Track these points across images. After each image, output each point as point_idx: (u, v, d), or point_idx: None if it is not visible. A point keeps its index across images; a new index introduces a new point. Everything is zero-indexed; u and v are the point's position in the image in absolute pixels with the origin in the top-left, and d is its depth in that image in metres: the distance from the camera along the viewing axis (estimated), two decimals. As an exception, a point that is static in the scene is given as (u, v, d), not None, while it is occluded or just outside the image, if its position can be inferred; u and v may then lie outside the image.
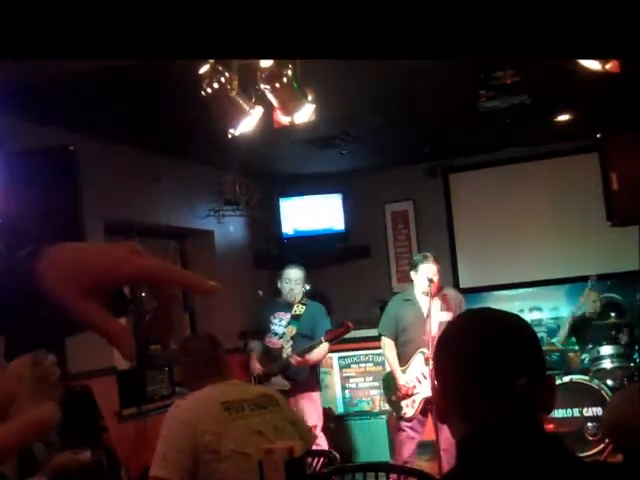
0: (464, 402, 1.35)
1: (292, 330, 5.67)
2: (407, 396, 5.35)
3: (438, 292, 5.35)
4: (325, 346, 5.61)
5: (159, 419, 3.01)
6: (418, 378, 5.30)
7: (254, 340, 5.89)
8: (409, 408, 5.36)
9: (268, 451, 2.41)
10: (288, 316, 5.74)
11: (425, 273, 5.25)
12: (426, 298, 5.24)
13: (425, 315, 5.21)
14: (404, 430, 5.41)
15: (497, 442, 1.30)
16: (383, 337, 5.55)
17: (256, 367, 5.66)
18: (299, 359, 5.50)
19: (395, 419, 5.68)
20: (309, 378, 5.76)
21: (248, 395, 3.08)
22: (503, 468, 1.28)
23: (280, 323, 5.73)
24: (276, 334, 5.72)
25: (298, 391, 5.58)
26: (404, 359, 5.40)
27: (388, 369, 5.66)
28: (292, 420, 3.17)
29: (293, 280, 5.74)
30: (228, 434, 2.84)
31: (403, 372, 5.39)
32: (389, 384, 5.58)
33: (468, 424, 1.34)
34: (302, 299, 5.83)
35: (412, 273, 5.38)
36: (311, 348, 5.53)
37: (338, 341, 6.67)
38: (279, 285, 5.80)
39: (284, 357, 5.62)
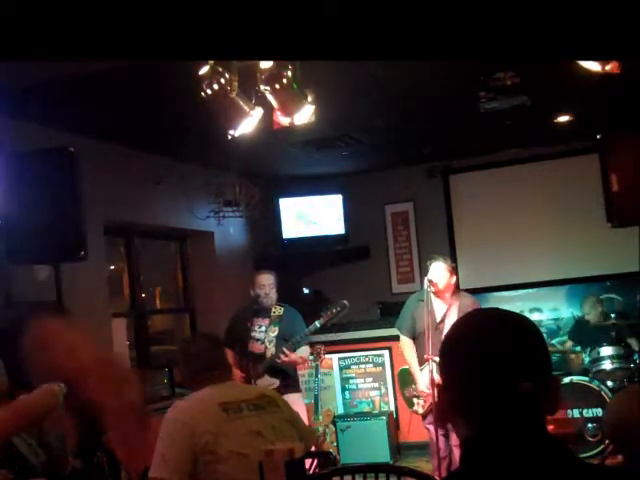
0: (468, 403, 1.35)
1: (275, 330, 5.68)
2: (420, 396, 5.40)
3: (454, 299, 5.36)
4: (307, 347, 5.75)
5: (159, 420, 3.00)
6: (429, 384, 5.31)
7: (231, 347, 5.82)
8: (419, 406, 5.45)
9: (268, 452, 2.41)
10: (267, 321, 5.73)
11: (432, 272, 5.32)
12: (440, 301, 5.33)
13: (438, 320, 5.29)
14: (427, 429, 5.44)
15: (501, 444, 1.29)
16: (401, 335, 5.60)
17: (237, 374, 5.61)
18: (288, 352, 5.52)
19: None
20: (294, 376, 5.83)
21: (247, 396, 3.08)
22: (507, 470, 1.27)
23: (260, 329, 5.73)
24: (258, 340, 5.71)
25: (288, 390, 5.59)
26: (419, 361, 5.44)
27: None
28: (292, 421, 3.16)
29: (267, 285, 5.73)
30: (226, 435, 2.84)
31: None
32: (404, 379, 5.67)
33: (472, 425, 1.34)
34: (277, 301, 5.83)
35: (430, 279, 5.41)
36: (294, 343, 5.57)
37: (339, 342, 6.69)
38: (252, 292, 5.77)
39: (268, 357, 5.64)
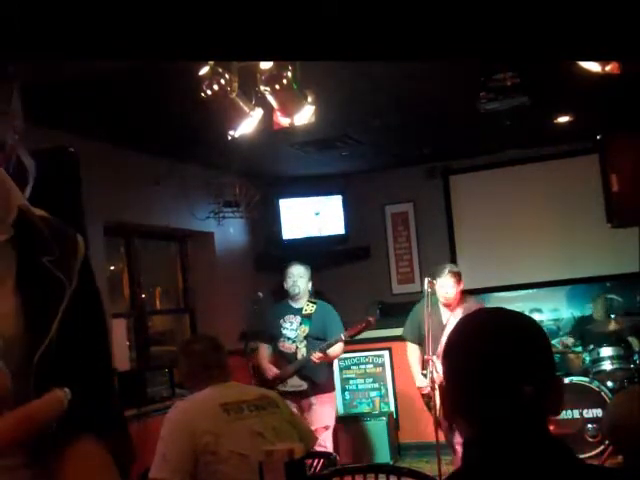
0: (470, 403, 1.34)
1: (305, 330, 5.67)
2: (428, 397, 5.43)
3: (460, 304, 5.42)
4: (342, 344, 5.68)
5: (159, 420, 3.01)
6: (429, 383, 5.36)
7: (259, 342, 5.89)
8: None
9: (268, 453, 2.40)
10: (298, 319, 5.73)
11: (441, 287, 5.37)
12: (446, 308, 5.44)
13: (444, 322, 5.38)
14: (440, 427, 5.48)
15: (501, 445, 1.29)
16: (408, 342, 5.70)
17: (271, 369, 5.66)
18: (320, 355, 5.51)
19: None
20: (328, 378, 5.80)
21: (247, 397, 3.08)
22: (507, 471, 1.27)
23: (291, 327, 5.73)
24: (289, 338, 5.72)
25: (316, 391, 5.60)
26: (423, 363, 5.52)
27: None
28: (292, 421, 3.17)
29: (295, 274, 5.77)
30: (226, 435, 2.84)
31: (424, 376, 5.47)
32: None
33: (473, 425, 1.33)
34: (310, 297, 5.85)
35: (434, 281, 5.44)
36: (329, 346, 5.56)
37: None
38: (285, 285, 5.83)
39: (300, 358, 5.63)
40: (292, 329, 5.72)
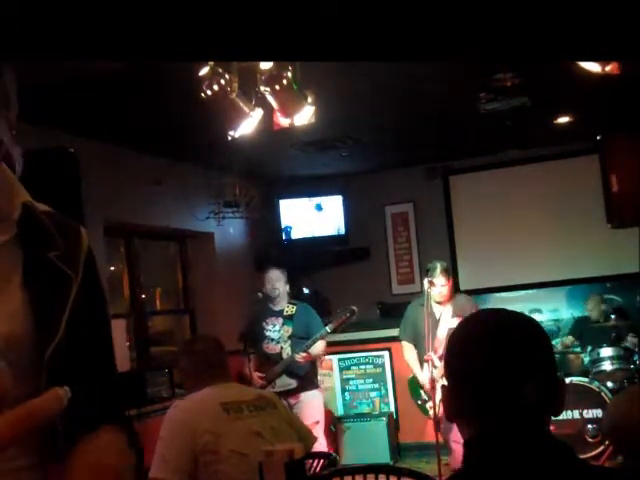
0: (470, 405, 1.34)
1: (288, 330, 5.74)
2: (429, 395, 5.45)
3: (450, 299, 5.53)
4: (323, 342, 5.75)
5: (159, 421, 3.00)
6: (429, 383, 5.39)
7: (249, 347, 5.91)
8: (431, 410, 5.46)
9: (268, 453, 2.40)
10: (280, 320, 5.80)
11: (435, 286, 5.45)
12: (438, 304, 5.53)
13: (437, 318, 5.47)
14: (439, 431, 5.48)
15: (501, 446, 1.29)
16: (403, 342, 5.78)
17: (256, 376, 5.68)
18: (304, 354, 5.57)
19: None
20: (310, 374, 5.86)
21: (246, 397, 3.08)
22: (508, 472, 1.27)
23: (274, 329, 5.79)
24: (272, 340, 5.77)
25: (303, 388, 5.65)
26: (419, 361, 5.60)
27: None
28: (290, 421, 3.17)
29: (273, 278, 5.85)
30: (227, 434, 2.84)
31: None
32: (414, 388, 5.74)
33: (474, 427, 1.33)
34: (290, 299, 5.92)
35: (431, 280, 5.52)
36: (314, 341, 5.63)
37: (338, 342, 6.70)
38: (264, 290, 5.90)
39: (286, 357, 5.66)
40: (275, 330, 5.79)
